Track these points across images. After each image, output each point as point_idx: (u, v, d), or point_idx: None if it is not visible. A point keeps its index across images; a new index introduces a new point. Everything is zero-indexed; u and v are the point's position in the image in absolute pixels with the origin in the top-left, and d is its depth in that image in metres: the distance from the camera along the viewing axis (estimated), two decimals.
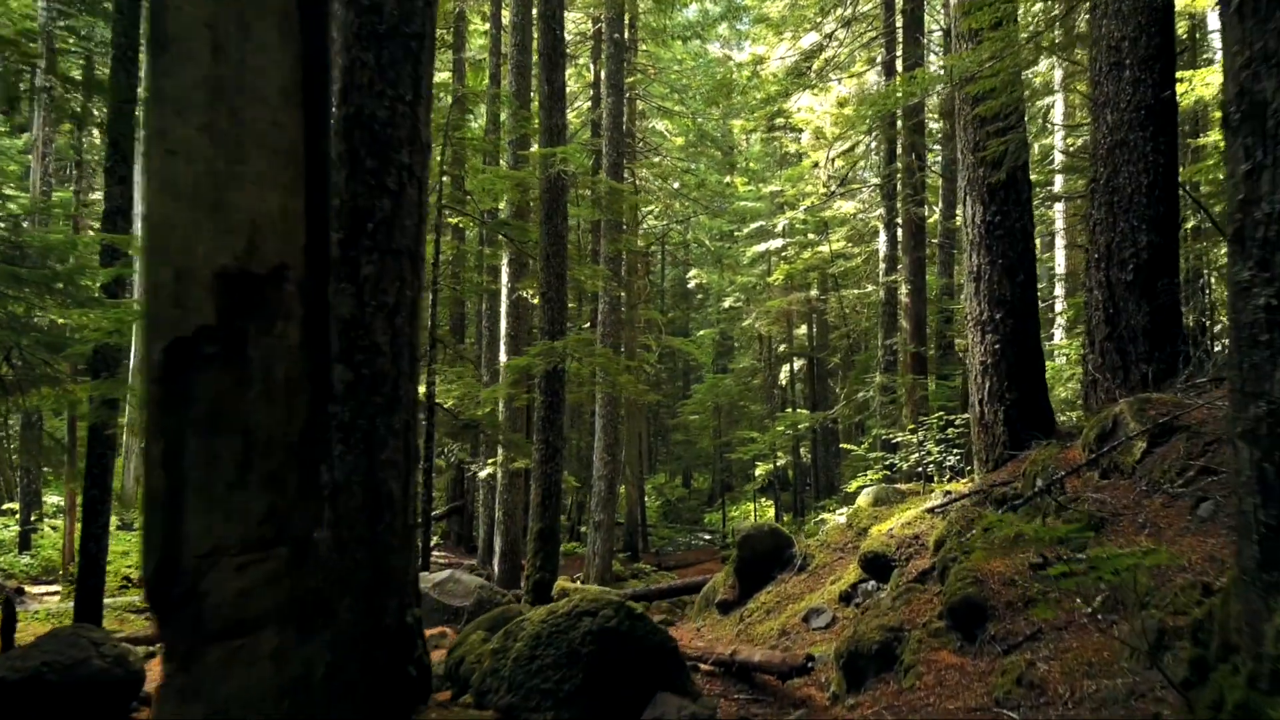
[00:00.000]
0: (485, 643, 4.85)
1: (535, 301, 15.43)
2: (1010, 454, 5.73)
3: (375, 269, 3.47)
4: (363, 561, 3.45)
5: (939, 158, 19.40)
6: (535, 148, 10.79)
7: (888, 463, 13.50)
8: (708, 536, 29.38)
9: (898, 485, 12.23)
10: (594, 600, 3.91)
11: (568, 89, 25.74)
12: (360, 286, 3.46)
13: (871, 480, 8.35)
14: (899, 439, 12.80)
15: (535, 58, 12.97)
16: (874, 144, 18.03)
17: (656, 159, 24.05)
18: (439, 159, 12.36)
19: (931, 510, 5.61)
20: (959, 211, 5.99)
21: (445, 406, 13.50)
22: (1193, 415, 4.42)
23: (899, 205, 15.70)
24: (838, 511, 13.34)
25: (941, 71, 5.42)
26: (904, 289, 15.64)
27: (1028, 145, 6.17)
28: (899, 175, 15.29)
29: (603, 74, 17.90)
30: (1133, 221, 7.22)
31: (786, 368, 28.17)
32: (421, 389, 12.61)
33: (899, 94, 5.87)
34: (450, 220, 13.85)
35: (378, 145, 3.48)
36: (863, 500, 11.83)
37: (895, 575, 4.99)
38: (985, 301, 5.93)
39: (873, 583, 5.28)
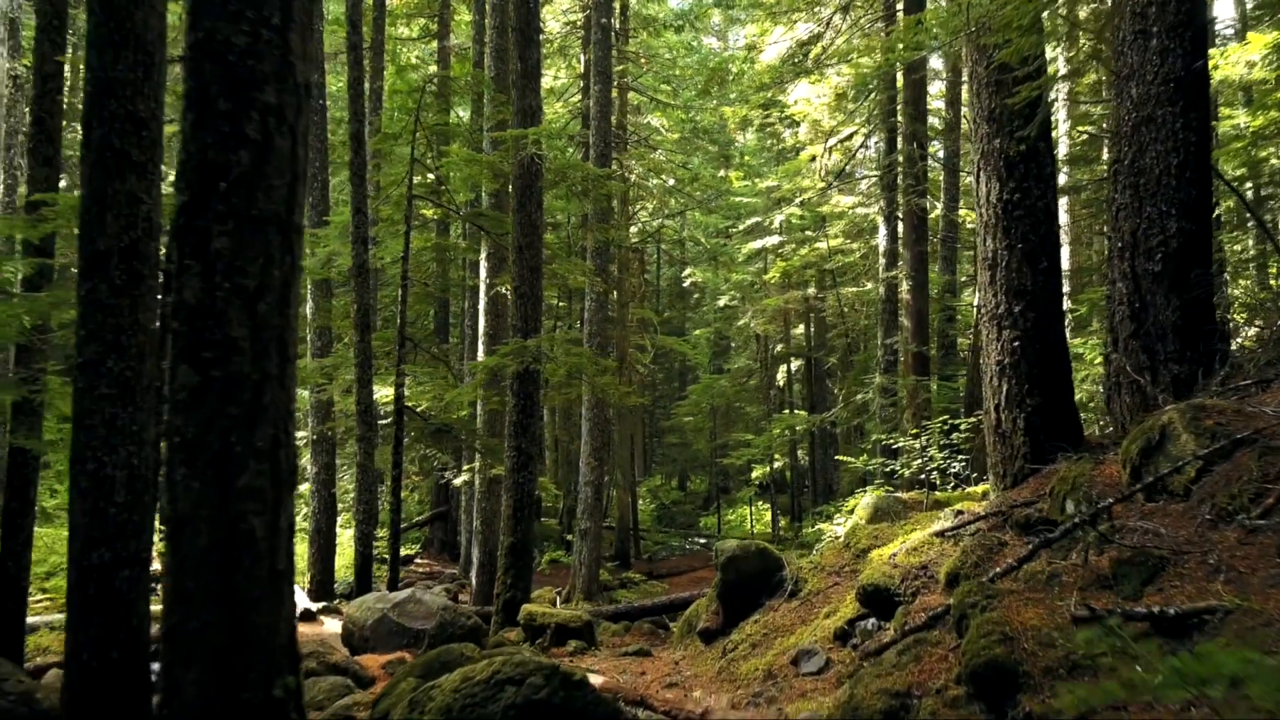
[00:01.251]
0: (415, 692, 4.07)
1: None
2: (1032, 468, 4.95)
3: (230, 241, 2.69)
4: (213, 622, 2.66)
5: (940, 152, 18.62)
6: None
7: (888, 469, 12.73)
8: (703, 541, 28.69)
9: (899, 495, 11.44)
10: (520, 664, 3.13)
11: (560, 82, 24.98)
12: (210, 264, 2.68)
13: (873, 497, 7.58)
14: (900, 444, 12.02)
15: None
16: (873, 134, 17.27)
17: (652, 154, 23.28)
18: (409, 147, 11.59)
19: (941, 534, 4.83)
20: (973, 189, 5.21)
21: (418, 410, 12.72)
22: (1269, 427, 3.63)
23: (900, 198, 14.92)
24: (836, 521, 12.57)
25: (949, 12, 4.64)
26: (905, 285, 14.87)
27: (1050, 110, 5.38)
28: (899, 166, 14.51)
29: (589, 60, 17.12)
30: (1161, 206, 6.47)
31: (783, 368, 27.39)
32: (390, 391, 11.84)
33: (901, 45, 5.10)
34: (425, 211, 13.07)
35: (234, 81, 2.69)
36: (861, 512, 11.05)
37: (900, 614, 4.21)
38: (1002, 292, 5.14)
39: (873, 620, 4.50)
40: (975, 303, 14.91)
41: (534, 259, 9.46)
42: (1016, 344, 5.06)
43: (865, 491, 8.82)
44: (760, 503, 30.09)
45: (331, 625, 11.77)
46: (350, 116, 10.80)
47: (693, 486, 38.33)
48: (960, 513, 5.05)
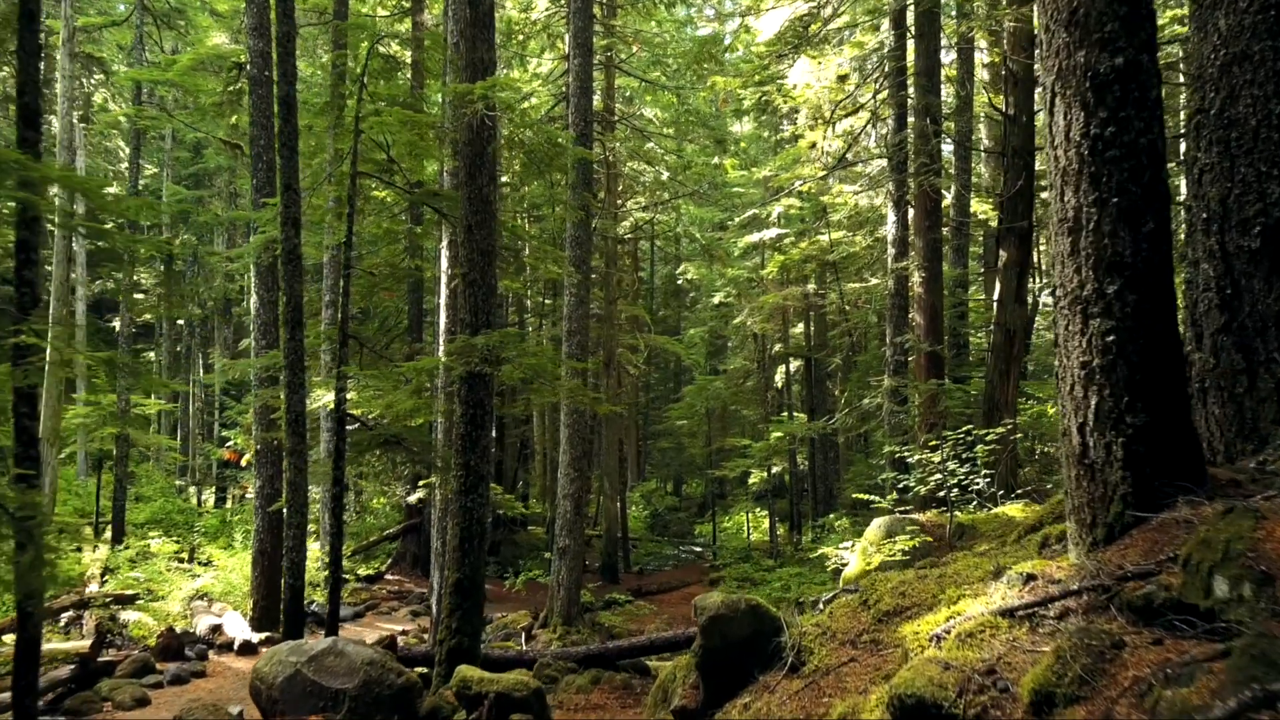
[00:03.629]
0: None
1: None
2: (1136, 515, 3.46)
3: None
4: None
5: (948, 142, 17.15)
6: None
7: (901, 484, 11.25)
8: (698, 549, 27.31)
9: (916, 516, 9.96)
10: None
11: (547, 68, 23.45)
12: None
13: (900, 552, 5.97)
14: (914, 457, 10.53)
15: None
16: (880, 113, 15.76)
17: (646, 144, 21.76)
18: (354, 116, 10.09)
19: (1009, 613, 3.34)
20: (1044, 122, 3.71)
21: (370, 417, 11.23)
22: None
23: (910, 181, 13.44)
24: (841, 545, 11.08)
25: None
26: (917, 277, 13.38)
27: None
28: (911, 144, 13.03)
29: (571, 34, 15.60)
30: (1259, 166, 5.00)
31: (782, 369, 25.89)
32: (330, 396, 10.34)
33: None
34: (377, 193, 11.57)
35: None
36: (871, 536, 9.55)
37: None
38: (1089, 266, 3.65)
39: None
40: (992, 289, 13.47)
41: (486, 240, 7.96)
42: (1111, 339, 3.57)
43: (886, 546, 7.20)
44: (758, 509, 28.64)
45: None
46: (279, 78, 9.30)
47: (689, 491, 36.87)
48: (1031, 578, 3.56)
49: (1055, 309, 3.82)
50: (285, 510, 9.12)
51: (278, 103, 9.21)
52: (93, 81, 28.44)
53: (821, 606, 5.44)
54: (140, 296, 34.60)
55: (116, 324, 30.62)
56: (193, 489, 28.22)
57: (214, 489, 28.18)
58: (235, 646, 11.90)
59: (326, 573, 16.75)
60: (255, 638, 12.00)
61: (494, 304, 8.00)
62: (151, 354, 32.80)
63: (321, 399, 10.55)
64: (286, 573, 9.00)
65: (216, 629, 12.40)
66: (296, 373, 8.97)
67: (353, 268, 10.02)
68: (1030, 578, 3.56)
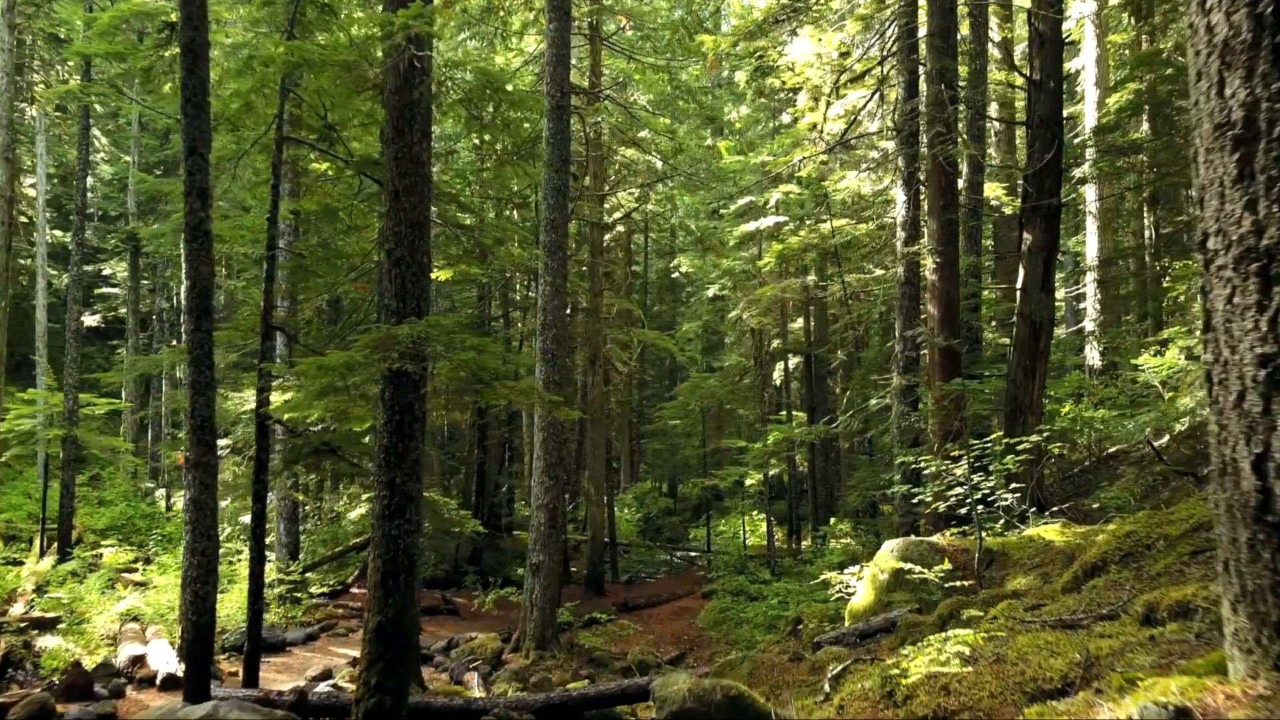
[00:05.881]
0: None
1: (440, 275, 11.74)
2: None
3: None
4: None
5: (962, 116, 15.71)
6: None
7: (915, 498, 9.83)
8: (693, 554, 25.96)
9: (934, 539, 8.55)
10: None
11: (532, 48, 21.98)
12: None
13: (955, 657, 4.43)
14: (929, 468, 9.09)
15: None
16: (886, 83, 14.31)
17: (640, 133, 20.30)
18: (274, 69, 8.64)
19: None
20: None
21: (308, 421, 9.80)
22: None
23: (923, 155, 12.00)
24: (847, 571, 9.66)
25: None
26: (930, 263, 11.95)
27: None
28: (924, 112, 11.58)
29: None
30: None
31: (780, 366, 24.46)
32: (252, 397, 8.95)
33: None
34: (316, 166, 10.13)
35: None
36: (883, 562, 8.14)
37: None
38: (1274, 199, 2.21)
39: None
40: (1012, 276, 11.87)
41: (416, 210, 6.52)
42: None
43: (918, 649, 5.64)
44: (755, 512, 27.25)
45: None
46: (182, 23, 7.87)
47: (684, 491, 35.47)
48: (1184, 715, 2.15)
49: (1207, 271, 2.39)
50: (190, 532, 7.71)
51: (181, 52, 7.77)
52: (68, 67, 26.97)
53: (828, 687, 4.02)
54: (114, 290, 33.15)
55: (90, 319, 29.24)
56: (160, 492, 26.78)
57: (183, 492, 26.74)
58: (158, 681, 10.47)
59: (281, 590, 15.37)
60: (181, 670, 10.57)
61: (426, 286, 6.57)
62: (122, 350, 31.36)
63: (249, 402, 9.11)
64: (190, 607, 7.57)
65: (139, 660, 10.97)
66: (203, 370, 7.54)
67: (277, 248, 8.58)
68: (1183, 714, 2.14)
